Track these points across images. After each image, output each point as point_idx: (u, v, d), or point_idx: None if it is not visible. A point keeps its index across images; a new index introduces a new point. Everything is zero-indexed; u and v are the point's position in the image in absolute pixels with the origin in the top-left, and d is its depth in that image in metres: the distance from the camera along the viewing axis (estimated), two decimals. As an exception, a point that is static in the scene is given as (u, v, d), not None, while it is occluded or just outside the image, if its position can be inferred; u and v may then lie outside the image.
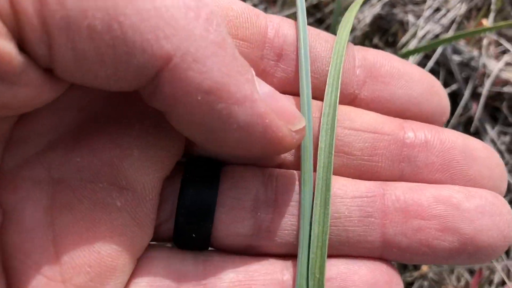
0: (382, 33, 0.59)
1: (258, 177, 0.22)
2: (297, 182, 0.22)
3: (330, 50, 0.23)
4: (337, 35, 0.24)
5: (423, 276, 0.53)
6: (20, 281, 0.18)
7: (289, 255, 0.22)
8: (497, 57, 0.59)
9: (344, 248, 0.22)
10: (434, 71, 0.59)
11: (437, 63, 0.58)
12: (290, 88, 0.23)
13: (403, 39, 0.57)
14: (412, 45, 0.57)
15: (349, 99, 0.24)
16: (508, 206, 0.22)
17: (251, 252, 0.22)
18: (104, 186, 0.19)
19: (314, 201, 0.21)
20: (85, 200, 0.19)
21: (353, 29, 0.56)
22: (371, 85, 0.23)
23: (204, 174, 0.22)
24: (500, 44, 0.60)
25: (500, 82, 0.57)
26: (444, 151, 0.22)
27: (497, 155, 0.23)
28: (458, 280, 0.55)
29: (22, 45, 0.15)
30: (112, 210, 0.19)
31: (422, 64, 0.58)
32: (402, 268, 0.54)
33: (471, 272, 0.55)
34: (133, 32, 0.15)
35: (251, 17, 0.22)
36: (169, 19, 0.15)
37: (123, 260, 0.19)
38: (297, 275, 0.21)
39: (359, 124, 0.23)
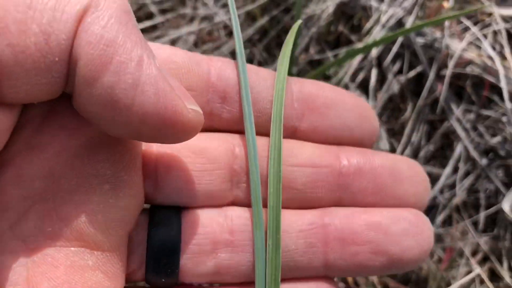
0: (347, 20, 0.60)
1: (214, 219, 0.25)
2: (249, 222, 0.25)
3: (269, 88, 0.26)
4: (276, 72, 0.26)
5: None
6: None
7: (247, 283, 0.25)
8: (460, 35, 0.60)
9: (294, 273, 0.25)
10: (399, 54, 0.60)
11: (401, 46, 0.59)
12: (237, 127, 0.26)
13: (367, 25, 0.57)
14: (377, 30, 0.58)
15: (290, 131, 0.27)
16: (428, 223, 0.26)
17: (213, 283, 0.25)
18: (76, 250, 0.21)
19: (267, 241, 0.24)
20: (61, 265, 0.21)
21: (316, 20, 0.57)
22: (309, 117, 0.26)
23: (167, 222, 0.24)
24: (461, 22, 0.61)
25: (463, 62, 0.58)
26: (375, 177, 0.26)
27: (422, 172, 0.27)
28: (432, 256, 0.58)
29: None
30: (85, 270, 0.21)
31: (387, 48, 0.59)
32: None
33: (444, 248, 0.58)
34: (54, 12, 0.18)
35: (192, 67, 0.25)
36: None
37: None
38: None
39: (301, 160, 0.26)
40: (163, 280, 0.24)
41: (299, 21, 0.31)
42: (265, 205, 0.25)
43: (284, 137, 0.26)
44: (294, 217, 0.25)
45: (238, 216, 0.25)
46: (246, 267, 0.25)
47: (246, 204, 0.26)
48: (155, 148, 0.25)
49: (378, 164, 0.26)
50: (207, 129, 0.26)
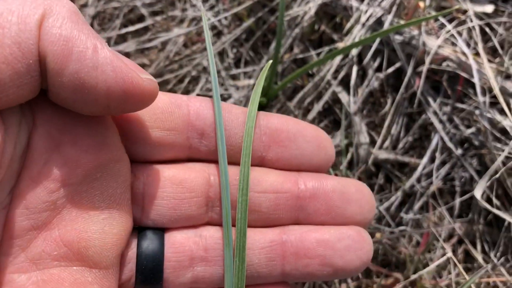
0: (329, 20, 0.63)
1: (191, 239, 0.30)
2: (220, 240, 0.30)
3: (241, 125, 0.31)
4: (248, 111, 0.31)
5: (378, 242, 0.59)
6: None
7: None
8: (436, 32, 0.63)
9: (256, 281, 0.31)
10: (378, 51, 0.63)
11: (381, 43, 0.63)
12: (213, 157, 0.31)
13: (348, 24, 0.61)
14: (357, 29, 0.61)
15: (258, 160, 0.32)
16: (368, 239, 0.31)
17: None
18: (77, 269, 0.26)
19: (234, 258, 0.29)
20: (65, 282, 0.26)
21: (298, 23, 0.60)
22: (274, 148, 0.31)
23: (152, 243, 0.29)
24: (438, 19, 0.64)
25: (439, 58, 0.61)
26: (327, 199, 0.31)
27: (368, 194, 0.32)
28: (410, 240, 0.62)
29: None
30: (86, 285, 0.26)
31: (367, 46, 0.62)
32: (360, 235, 0.60)
33: (422, 234, 0.62)
34: (17, 24, 0.22)
35: (173, 110, 0.29)
36: (32, 2, 0.23)
37: None
38: None
39: (265, 187, 0.31)
40: None
41: (270, 62, 0.36)
42: (234, 225, 0.30)
43: (252, 165, 0.31)
44: (258, 236, 0.30)
45: (211, 235, 0.30)
46: (218, 277, 0.30)
47: (220, 223, 0.31)
48: (142, 181, 0.29)
49: (330, 189, 0.31)
50: (187, 159, 0.31)
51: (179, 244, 0.30)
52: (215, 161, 0.31)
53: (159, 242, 0.29)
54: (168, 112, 0.29)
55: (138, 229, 0.30)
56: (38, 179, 0.25)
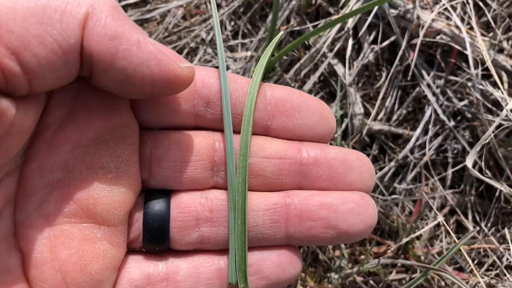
0: (325, -7, 0.64)
1: (197, 200, 0.31)
2: (225, 202, 0.31)
3: (246, 94, 0.31)
4: (251, 80, 0.32)
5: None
6: None
7: (225, 250, 0.31)
8: (431, 6, 0.64)
9: (261, 243, 0.31)
10: (374, 25, 0.64)
11: (376, 17, 0.64)
12: (218, 126, 0.32)
13: (344, -3, 0.62)
14: (353, 2, 0.62)
15: (264, 129, 0.32)
16: (372, 203, 0.31)
17: (198, 250, 0.31)
18: (87, 225, 0.28)
19: (235, 215, 0.30)
20: (75, 237, 0.27)
21: (294, -9, 0.61)
22: (279, 118, 0.32)
23: (158, 203, 0.30)
24: (434, -4, 0.65)
25: (433, 31, 0.63)
26: (329, 166, 0.32)
27: (368, 163, 0.33)
28: (403, 210, 0.63)
29: (7, 88, 0.22)
30: (95, 241, 0.28)
31: (363, 19, 0.63)
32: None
33: (414, 201, 0.63)
34: (62, 24, 0.23)
35: None
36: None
37: (108, 273, 0.28)
38: (229, 263, 0.30)
39: (269, 153, 0.32)
40: (157, 248, 0.30)
41: (281, 33, 0.37)
42: None
43: (258, 134, 0.32)
44: (262, 198, 0.31)
45: (216, 197, 0.31)
46: (223, 238, 0.31)
47: (225, 188, 0.32)
48: (149, 145, 0.31)
49: (332, 156, 0.32)
50: (193, 127, 0.32)
51: (185, 205, 0.31)
52: (221, 129, 0.32)
53: (165, 203, 0.30)
54: None
55: (146, 191, 0.31)
56: (51, 141, 0.27)
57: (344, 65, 0.63)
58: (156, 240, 0.30)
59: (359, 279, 0.59)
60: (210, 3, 0.63)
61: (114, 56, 0.24)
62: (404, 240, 0.55)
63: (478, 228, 0.52)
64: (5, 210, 0.26)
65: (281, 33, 0.37)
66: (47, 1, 0.23)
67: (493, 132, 0.60)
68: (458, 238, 0.63)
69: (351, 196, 0.31)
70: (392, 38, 0.63)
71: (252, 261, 0.31)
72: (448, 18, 0.64)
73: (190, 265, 0.30)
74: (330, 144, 0.61)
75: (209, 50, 0.62)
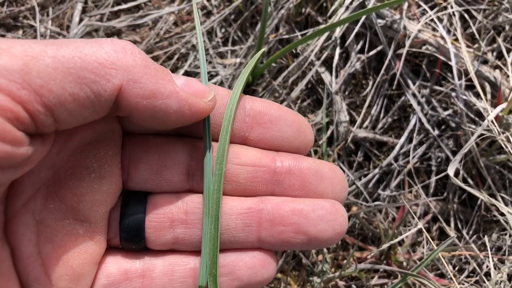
0: (314, 2, 0.65)
1: (173, 203, 0.32)
2: (200, 205, 0.32)
3: (225, 105, 0.33)
4: (232, 92, 0.33)
5: (355, 215, 0.61)
6: None
7: (199, 251, 0.32)
8: (418, 18, 0.66)
9: (233, 246, 0.32)
10: (361, 34, 0.66)
11: (364, 26, 0.65)
12: (199, 134, 0.33)
13: (332, 8, 0.63)
14: (341, 12, 0.63)
15: (242, 140, 0.34)
16: (342, 211, 0.32)
17: (174, 250, 0.33)
18: (70, 222, 0.29)
19: (209, 220, 0.31)
20: (59, 233, 0.29)
21: (284, 3, 0.62)
22: (257, 129, 0.33)
23: (135, 205, 0.32)
24: (420, 6, 0.66)
25: (419, 42, 0.64)
26: (302, 176, 0.33)
27: (340, 174, 0.34)
28: (387, 216, 0.64)
29: (36, 132, 0.24)
30: (77, 237, 0.30)
31: (351, 29, 0.65)
32: (338, 209, 0.62)
33: (397, 208, 0.64)
34: (95, 83, 0.25)
35: None
36: (111, 65, 0.26)
37: (88, 267, 0.30)
38: (201, 265, 0.31)
39: (244, 160, 0.33)
40: (133, 246, 0.32)
41: (262, 51, 0.38)
42: None
43: (236, 143, 0.33)
44: (236, 202, 0.32)
45: (192, 201, 0.32)
46: (197, 240, 0.32)
47: (200, 192, 0.33)
48: (129, 148, 0.32)
49: (305, 166, 0.33)
50: (174, 133, 0.33)
51: (161, 207, 0.32)
52: (200, 137, 0.33)
53: (141, 204, 0.32)
54: None
55: (124, 193, 0.33)
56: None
57: (331, 73, 0.65)
58: (132, 239, 0.31)
59: (341, 283, 0.60)
60: (202, 9, 0.65)
61: (151, 111, 0.27)
62: (386, 245, 0.56)
63: (458, 234, 0.54)
64: None
65: (262, 50, 0.38)
66: (85, 63, 0.25)
67: (475, 141, 0.61)
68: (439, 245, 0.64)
69: (322, 203, 0.32)
70: (379, 48, 0.65)
71: (226, 262, 0.32)
72: (434, 29, 0.65)
73: (165, 263, 0.32)
74: (316, 150, 0.62)
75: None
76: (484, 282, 0.61)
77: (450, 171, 0.58)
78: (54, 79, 0.24)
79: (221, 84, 0.63)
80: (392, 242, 0.56)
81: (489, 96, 0.63)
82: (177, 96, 0.28)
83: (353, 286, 0.60)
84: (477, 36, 0.64)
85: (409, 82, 0.65)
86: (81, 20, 0.65)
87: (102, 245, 0.31)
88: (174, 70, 0.64)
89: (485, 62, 0.65)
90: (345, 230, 0.32)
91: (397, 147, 0.64)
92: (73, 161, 0.29)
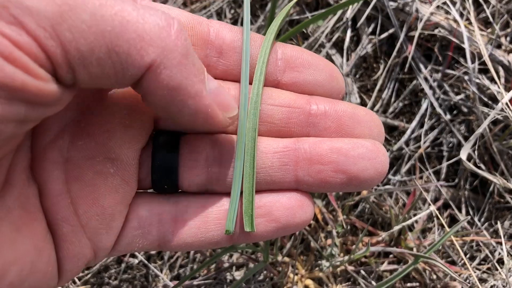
0: (325, -17, 0.64)
1: (207, 143, 0.31)
2: (235, 145, 0.31)
3: (259, 48, 0.32)
4: (265, 37, 0.32)
5: (365, 199, 0.60)
6: (56, 230, 0.27)
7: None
8: (432, 0, 0.65)
9: (270, 186, 0.31)
10: (373, 17, 0.65)
11: (375, 9, 0.64)
12: (230, 78, 0.32)
13: (344, -12, 0.62)
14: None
15: (274, 83, 0.32)
16: (383, 150, 0.30)
17: (207, 192, 0.31)
18: (100, 160, 0.28)
19: (244, 157, 0.30)
20: (89, 172, 0.28)
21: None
22: (289, 73, 0.32)
23: (168, 143, 0.30)
24: (433, -9, 0.65)
25: (431, 25, 0.63)
26: (338, 118, 0.31)
27: (377, 119, 0.32)
28: (397, 202, 0.63)
29: (56, 79, 0.22)
30: (107, 176, 0.28)
31: (362, 11, 0.64)
32: (347, 193, 0.61)
33: (408, 193, 0.63)
34: (126, 55, 0.23)
35: (195, 25, 0.31)
36: (149, 41, 0.23)
37: (119, 208, 0.29)
38: (229, 209, 0.30)
39: (278, 101, 0.32)
40: (166, 187, 0.30)
41: (294, 1, 0.37)
42: None
43: (268, 87, 0.32)
44: (271, 142, 0.31)
45: (226, 140, 0.31)
46: (231, 179, 0.31)
47: (235, 133, 0.31)
48: None
49: (340, 109, 0.32)
50: None
51: (194, 146, 0.31)
52: (230, 80, 0.32)
53: (174, 144, 0.30)
54: (189, 27, 0.30)
55: (156, 132, 0.31)
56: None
57: (342, 55, 0.64)
58: (164, 180, 0.30)
59: (350, 268, 0.58)
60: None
61: (168, 104, 0.25)
62: (397, 227, 0.55)
63: (469, 217, 0.52)
64: (24, 143, 0.26)
65: (293, 1, 0.37)
66: (123, 31, 0.22)
67: (488, 125, 0.60)
68: (451, 231, 0.62)
69: (362, 142, 0.30)
70: (391, 31, 0.64)
71: (262, 203, 0.30)
72: (447, 12, 0.64)
73: (199, 205, 0.30)
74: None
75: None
76: (497, 269, 0.59)
77: (463, 155, 0.57)
78: (85, 38, 0.21)
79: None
80: (403, 224, 0.55)
81: (502, 80, 0.61)
82: (200, 99, 0.26)
83: (362, 271, 0.59)
84: (491, 19, 0.63)
85: (421, 66, 0.64)
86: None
87: (133, 186, 0.29)
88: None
89: (498, 46, 0.64)
90: (386, 170, 0.31)
91: (408, 132, 0.63)
92: (101, 100, 0.28)
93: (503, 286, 0.58)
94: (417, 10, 0.63)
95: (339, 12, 0.63)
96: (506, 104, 0.56)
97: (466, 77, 0.62)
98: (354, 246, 0.57)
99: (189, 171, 0.30)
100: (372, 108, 0.64)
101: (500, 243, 0.60)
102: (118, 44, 0.22)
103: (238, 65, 0.32)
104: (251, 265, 0.58)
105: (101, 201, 0.28)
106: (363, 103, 0.64)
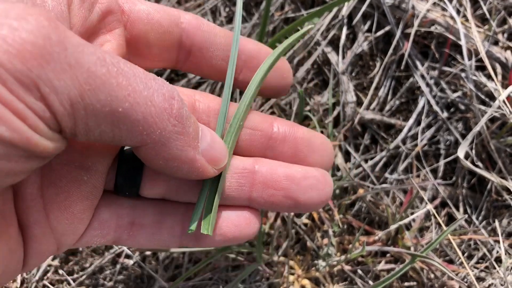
0: (321, -19, 0.64)
1: None
2: None
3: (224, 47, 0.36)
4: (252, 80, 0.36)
5: (361, 198, 0.59)
6: (27, 232, 0.28)
7: (189, 202, 0.33)
8: (428, -1, 0.64)
9: (224, 202, 0.33)
10: (369, 15, 0.64)
11: (371, 6, 0.63)
12: (196, 73, 0.37)
13: (339, -15, 0.61)
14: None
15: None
16: (330, 181, 0.34)
17: (164, 200, 0.33)
18: (75, 166, 0.29)
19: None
20: (63, 178, 0.28)
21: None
22: (246, 72, 0.36)
23: (134, 155, 0.31)
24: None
25: (427, 21, 0.62)
26: (295, 144, 0.34)
27: (330, 147, 0.36)
28: (394, 201, 0.62)
29: (60, 132, 0.23)
30: (81, 183, 0.29)
31: (358, 8, 0.63)
32: (344, 192, 0.61)
33: (405, 192, 0.62)
34: (128, 132, 0.24)
35: (173, 30, 0.34)
36: (152, 123, 0.24)
37: (88, 213, 0.30)
38: (195, 210, 0.32)
39: (246, 123, 0.34)
40: (127, 193, 0.32)
41: (309, 26, 0.41)
42: None
43: None
44: (234, 161, 0.33)
45: None
46: (189, 191, 0.33)
47: None
48: None
49: (299, 136, 0.34)
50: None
51: None
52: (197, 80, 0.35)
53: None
54: (168, 32, 0.33)
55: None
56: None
57: (337, 53, 0.63)
58: (128, 186, 0.31)
59: (347, 268, 0.58)
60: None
61: (163, 167, 0.27)
62: (394, 226, 0.54)
63: (467, 216, 0.52)
64: None
65: (309, 26, 0.40)
66: (131, 113, 0.24)
67: (485, 122, 0.59)
68: (449, 230, 0.62)
69: (313, 172, 0.33)
70: (387, 28, 0.63)
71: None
72: (443, 9, 0.63)
73: (156, 211, 0.32)
74: (322, 131, 0.61)
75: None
76: (494, 268, 0.59)
77: (460, 153, 0.56)
78: (96, 115, 0.23)
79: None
80: (400, 223, 0.54)
81: (499, 77, 0.61)
82: (193, 164, 0.28)
83: (359, 271, 0.58)
84: (488, 16, 0.62)
85: (418, 63, 0.63)
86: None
87: (100, 191, 0.31)
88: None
89: (495, 43, 0.63)
90: (329, 198, 0.34)
91: (405, 130, 0.62)
92: None
93: (501, 284, 0.57)
94: (413, 7, 0.62)
95: (335, 10, 0.63)
96: (503, 101, 0.55)
97: (463, 74, 0.61)
98: (350, 246, 0.56)
99: (151, 182, 0.32)
100: (368, 106, 0.63)
101: (498, 242, 0.60)
102: (124, 123, 0.24)
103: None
104: (247, 265, 0.57)
105: (72, 207, 0.29)
106: (359, 101, 0.63)
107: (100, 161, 0.30)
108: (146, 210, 0.32)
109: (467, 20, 0.63)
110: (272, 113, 0.63)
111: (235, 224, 0.33)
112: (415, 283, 0.59)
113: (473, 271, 0.59)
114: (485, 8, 0.63)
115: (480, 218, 0.62)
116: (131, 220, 0.32)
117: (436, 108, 0.62)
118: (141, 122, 0.24)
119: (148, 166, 0.29)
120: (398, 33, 0.62)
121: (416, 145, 0.63)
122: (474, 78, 0.60)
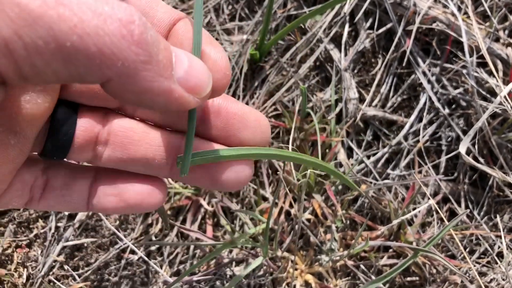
0: (323, -22, 0.64)
1: (101, 122, 0.32)
2: (123, 128, 0.32)
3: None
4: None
5: (364, 194, 0.60)
6: None
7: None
8: (429, -3, 0.65)
9: (147, 171, 0.33)
10: (370, 12, 0.65)
11: (373, 4, 0.64)
12: None
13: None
14: (350, -12, 0.62)
15: None
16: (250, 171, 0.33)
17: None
18: (3, 130, 0.28)
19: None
20: None
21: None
22: None
23: (67, 119, 0.31)
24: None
25: (429, 19, 0.63)
26: (227, 118, 0.33)
27: (265, 124, 0.34)
28: (396, 196, 0.63)
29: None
30: (8, 147, 0.28)
31: (360, 5, 0.64)
32: (346, 188, 0.61)
33: (407, 188, 0.63)
34: (85, 69, 0.22)
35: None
36: (110, 55, 0.22)
37: (11, 175, 0.30)
38: None
39: None
40: (54, 158, 0.31)
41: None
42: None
43: None
44: (156, 134, 0.32)
45: (118, 123, 0.32)
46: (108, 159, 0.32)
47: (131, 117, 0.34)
48: None
49: (232, 110, 0.33)
50: None
51: (90, 125, 0.32)
52: None
53: (72, 118, 0.32)
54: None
55: (56, 105, 0.32)
56: None
57: (340, 50, 0.63)
58: (56, 153, 0.31)
59: (350, 263, 0.58)
60: (208, -14, 0.64)
61: (134, 101, 0.25)
62: (396, 221, 0.55)
63: (468, 211, 0.52)
64: None
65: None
66: (83, 47, 0.22)
67: (487, 118, 0.60)
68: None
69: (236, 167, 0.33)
70: (389, 25, 0.64)
71: (119, 188, 0.33)
72: (445, 6, 0.64)
73: (69, 174, 0.32)
74: (324, 128, 0.61)
75: (206, 32, 0.62)
76: (496, 263, 0.59)
77: (462, 149, 0.57)
78: (41, 54, 0.21)
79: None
80: (402, 218, 0.55)
81: (501, 73, 0.61)
82: (169, 95, 0.25)
83: (362, 266, 0.59)
84: (489, 13, 0.63)
85: (419, 60, 0.64)
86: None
87: (26, 155, 0.30)
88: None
89: (497, 40, 0.64)
90: (247, 182, 0.34)
91: (407, 126, 0.63)
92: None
93: (503, 279, 0.58)
94: (414, 4, 0.62)
95: (337, 7, 0.63)
96: (505, 97, 0.56)
97: (464, 71, 0.62)
98: (353, 241, 0.57)
99: (79, 149, 0.31)
100: (370, 103, 0.64)
101: (500, 237, 0.60)
102: (77, 58, 0.21)
103: None
104: (251, 260, 0.58)
105: None
106: (361, 98, 0.64)
107: (29, 127, 0.29)
108: (58, 171, 0.32)
109: (468, 17, 0.63)
110: (275, 110, 0.63)
111: (138, 193, 0.33)
112: (417, 278, 0.59)
113: (475, 266, 0.60)
114: (486, 5, 0.63)
115: (481, 213, 0.63)
116: (44, 180, 0.32)
117: (437, 104, 0.63)
118: (97, 55, 0.21)
119: (123, 103, 0.27)
120: (399, 30, 0.62)
121: (418, 141, 0.63)
122: (476, 74, 0.61)
